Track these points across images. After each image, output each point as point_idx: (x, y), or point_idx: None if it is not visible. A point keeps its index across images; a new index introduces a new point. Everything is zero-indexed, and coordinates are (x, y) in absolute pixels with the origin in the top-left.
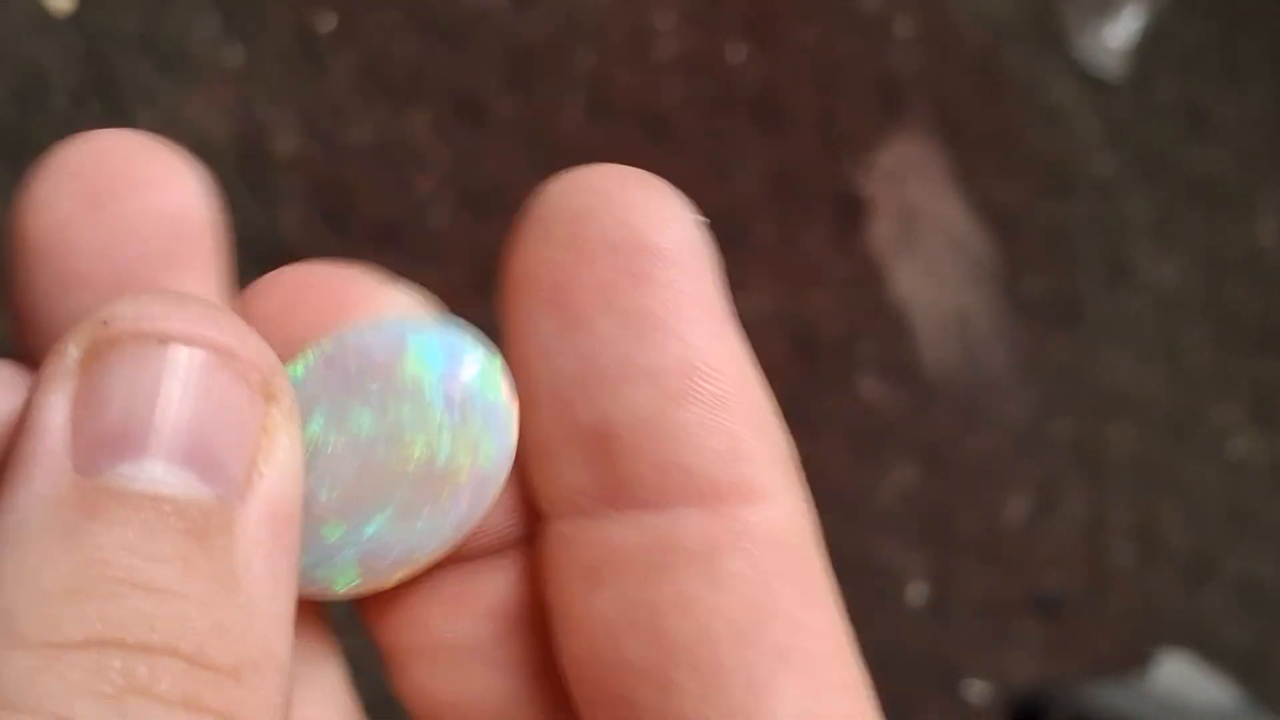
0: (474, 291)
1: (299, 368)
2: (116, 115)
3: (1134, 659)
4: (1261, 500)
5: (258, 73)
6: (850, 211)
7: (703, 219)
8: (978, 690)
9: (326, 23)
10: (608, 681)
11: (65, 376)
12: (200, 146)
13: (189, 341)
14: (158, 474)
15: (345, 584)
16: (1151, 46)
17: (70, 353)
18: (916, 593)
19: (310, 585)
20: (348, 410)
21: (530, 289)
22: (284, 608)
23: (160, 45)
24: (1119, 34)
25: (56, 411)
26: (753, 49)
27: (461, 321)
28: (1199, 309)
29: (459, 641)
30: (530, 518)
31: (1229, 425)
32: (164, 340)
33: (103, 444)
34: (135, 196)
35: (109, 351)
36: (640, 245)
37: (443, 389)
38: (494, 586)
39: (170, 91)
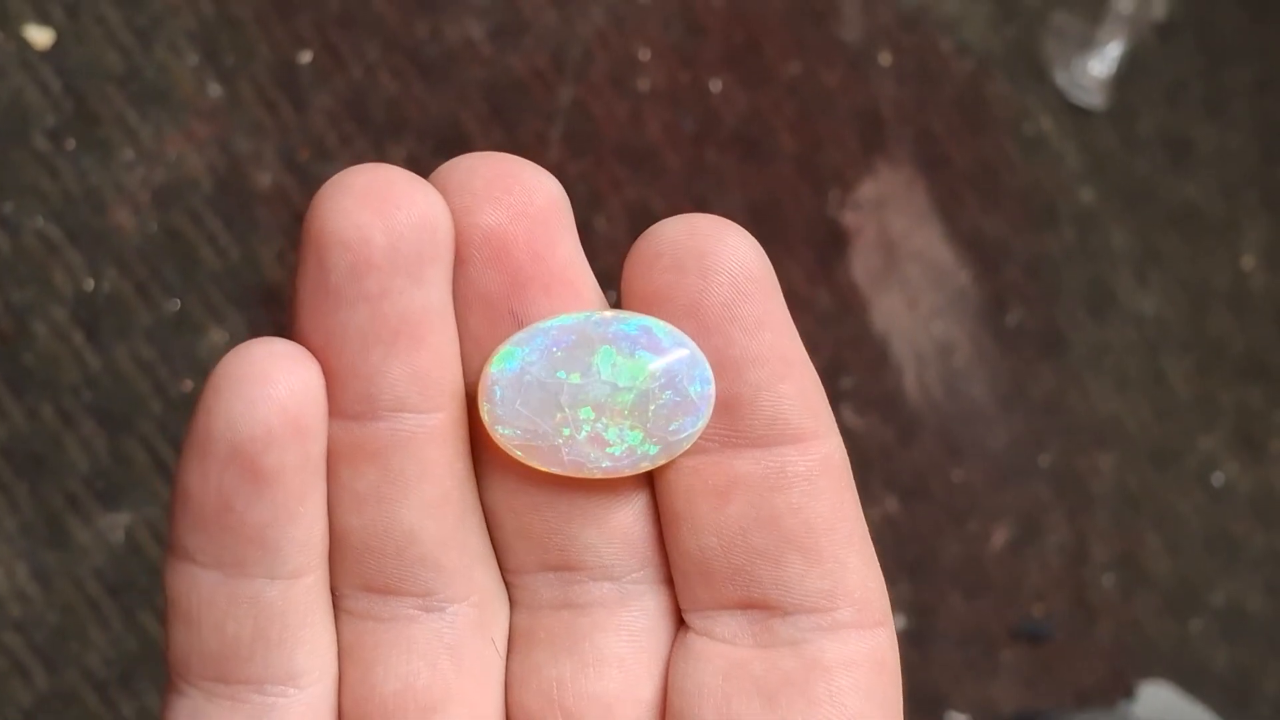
0: None
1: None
2: (95, 151)
3: (1117, 689)
4: (1245, 530)
5: (237, 108)
6: (832, 243)
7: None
8: None
9: (305, 57)
10: (732, 561)
11: None
12: (179, 181)
13: None
14: None
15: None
16: (1133, 77)
17: None
18: (899, 624)
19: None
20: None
21: (668, 304)
22: None
23: (139, 81)
24: (1101, 65)
25: None
26: (735, 81)
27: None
28: (1182, 339)
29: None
30: None
31: (1212, 455)
32: None
33: None
34: (406, 210)
35: None
36: (749, 274)
37: (692, 381)
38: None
39: (150, 127)
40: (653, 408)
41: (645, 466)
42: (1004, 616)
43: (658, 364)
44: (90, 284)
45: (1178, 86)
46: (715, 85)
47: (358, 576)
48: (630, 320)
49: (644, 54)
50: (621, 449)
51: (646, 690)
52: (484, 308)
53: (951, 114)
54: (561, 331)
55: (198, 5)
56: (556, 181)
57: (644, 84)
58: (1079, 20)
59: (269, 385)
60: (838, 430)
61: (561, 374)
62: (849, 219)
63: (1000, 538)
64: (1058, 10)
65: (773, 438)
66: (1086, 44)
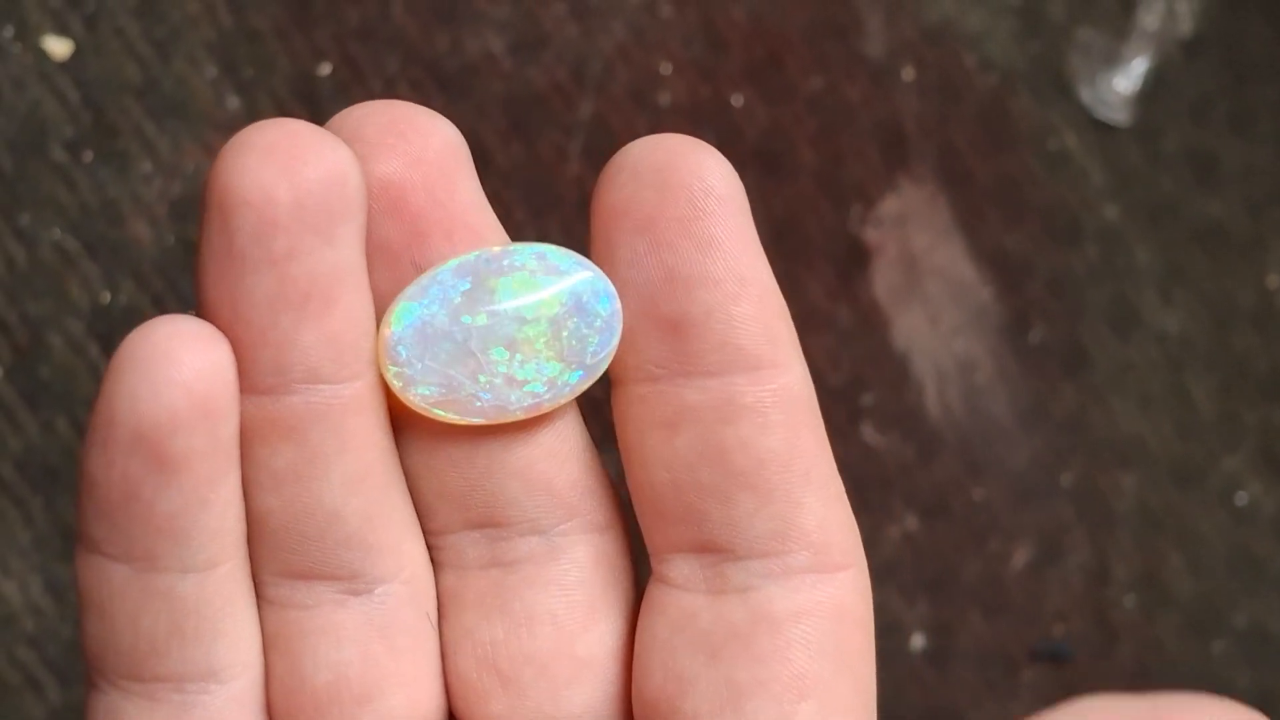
0: None
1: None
2: (113, 163)
3: None
4: (1269, 550)
5: (255, 120)
6: (853, 259)
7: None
8: None
9: (325, 70)
10: (683, 499)
11: None
12: (197, 194)
13: None
14: None
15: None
16: (1159, 94)
17: None
18: (917, 643)
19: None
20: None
21: (624, 219)
22: None
23: (158, 93)
24: (1126, 81)
25: None
26: (757, 96)
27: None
28: (1207, 357)
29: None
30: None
31: (1237, 474)
32: None
33: None
34: (312, 165)
35: None
36: (707, 190)
37: (588, 302)
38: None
39: (167, 139)
40: (565, 333)
41: (568, 395)
42: (1024, 636)
43: (560, 288)
44: (107, 297)
45: (1204, 103)
46: (737, 100)
47: (279, 562)
48: (523, 251)
49: (665, 68)
50: (541, 383)
51: (582, 645)
52: (385, 261)
53: (975, 130)
54: (456, 275)
55: (217, 17)
56: (453, 126)
57: (665, 98)
58: (1104, 36)
59: (173, 367)
60: (803, 360)
61: (466, 319)
62: (870, 235)
63: (1021, 557)
64: (1083, 26)
65: (724, 365)
66: (1112, 60)
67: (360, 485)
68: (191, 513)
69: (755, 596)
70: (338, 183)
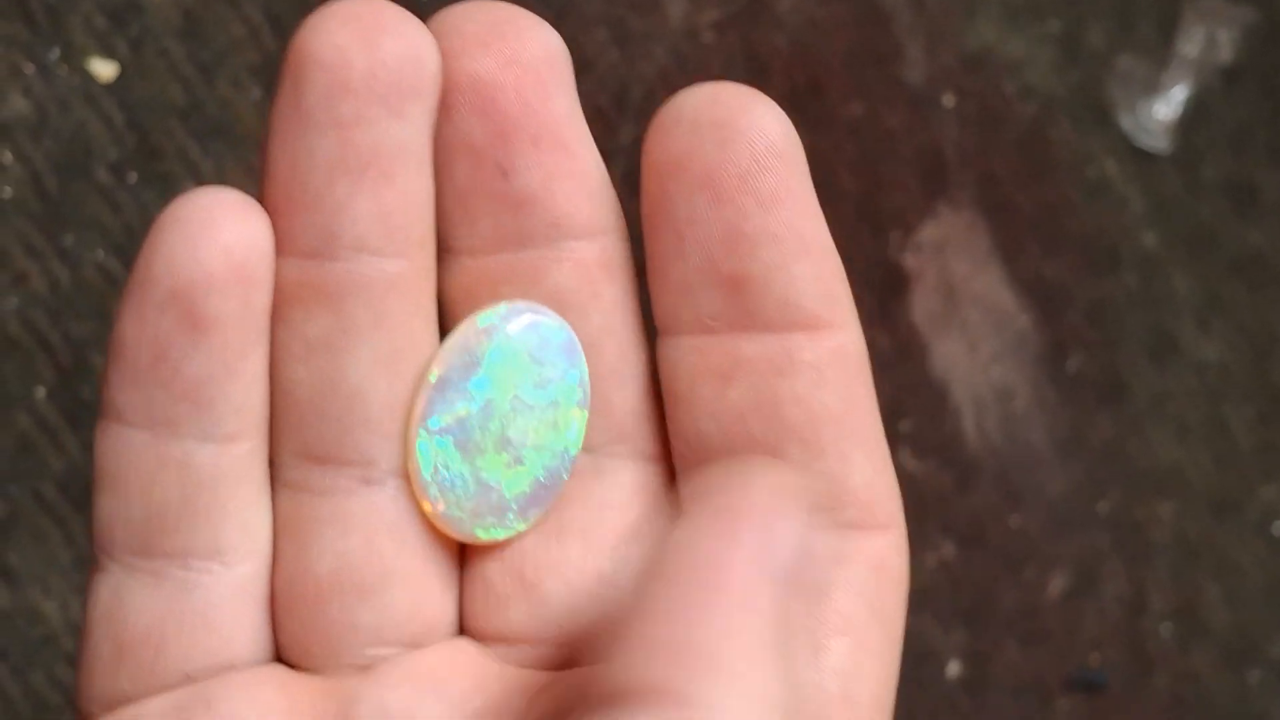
0: None
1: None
2: (157, 184)
3: None
4: None
5: None
6: (892, 285)
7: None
8: None
9: None
10: (731, 450)
11: None
12: None
13: None
14: None
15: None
16: (1199, 122)
17: None
18: (954, 670)
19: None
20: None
21: (682, 173)
22: None
23: (202, 115)
24: (1166, 109)
25: None
26: (797, 122)
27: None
28: (1244, 387)
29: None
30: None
31: (1273, 504)
32: None
33: None
34: (391, 39)
35: None
36: (769, 145)
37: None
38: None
39: (211, 161)
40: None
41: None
42: (1060, 665)
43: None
44: None
45: (1243, 131)
46: None
47: (298, 441)
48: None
49: None
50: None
51: (609, 565)
52: (469, 159)
53: (1014, 157)
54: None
55: (261, 40)
56: (558, 36)
57: None
58: (1144, 64)
59: (214, 230)
60: (858, 322)
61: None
62: (909, 262)
63: (1057, 585)
64: (1123, 54)
65: (783, 322)
66: (1151, 88)
67: (388, 366)
68: (218, 380)
69: None
70: (413, 60)
